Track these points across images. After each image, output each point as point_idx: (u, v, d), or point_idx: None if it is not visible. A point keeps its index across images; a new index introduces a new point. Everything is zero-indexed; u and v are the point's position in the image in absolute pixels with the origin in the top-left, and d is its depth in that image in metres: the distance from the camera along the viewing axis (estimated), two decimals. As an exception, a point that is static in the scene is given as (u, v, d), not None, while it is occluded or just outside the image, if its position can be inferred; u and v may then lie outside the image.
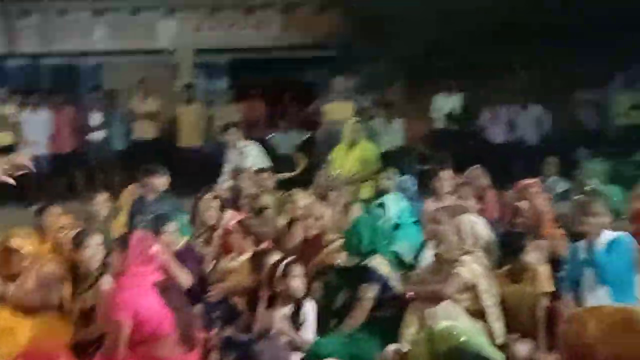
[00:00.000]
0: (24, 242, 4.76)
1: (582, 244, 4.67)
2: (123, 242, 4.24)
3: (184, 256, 5.02)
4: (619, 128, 9.44)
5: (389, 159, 7.90)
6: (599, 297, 4.40)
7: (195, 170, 8.84)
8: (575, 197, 5.69)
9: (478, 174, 6.46)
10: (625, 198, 6.31)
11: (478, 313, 4.41)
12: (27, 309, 4.55)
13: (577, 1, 8.99)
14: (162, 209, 5.53)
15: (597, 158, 7.68)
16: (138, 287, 4.00)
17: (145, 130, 9.76)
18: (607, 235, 4.60)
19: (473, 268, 4.54)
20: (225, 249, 5.29)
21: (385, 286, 4.75)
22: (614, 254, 4.56)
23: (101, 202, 5.90)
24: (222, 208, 5.83)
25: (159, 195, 5.93)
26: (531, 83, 9.70)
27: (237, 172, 7.09)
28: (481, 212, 5.67)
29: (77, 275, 4.71)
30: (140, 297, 3.97)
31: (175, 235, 5.09)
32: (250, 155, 7.65)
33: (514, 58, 9.56)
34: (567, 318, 3.43)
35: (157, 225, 4.96)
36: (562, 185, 6.76)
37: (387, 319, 4.61)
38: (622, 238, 4.64)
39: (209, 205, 5.75)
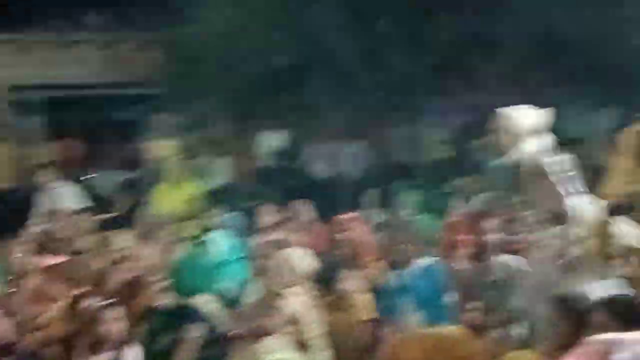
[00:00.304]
0: None
1: (397, 271, 4.90)
2: None
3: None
4: (431, 161, 10.07)
5: (216, 197, 7.87)
6: (414, 322, 4.62)
7: (6, 213, 8.27)
8: (389, 228, 5.97)
9: (302, 208, 6.59)
10: (436, 227, 6.70)
11: (305, 345, 4.45)
12: None
13: (390, 43, 9.52)
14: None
15: (411, 190, 8.12)
16: None
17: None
18: (420, 262, 4.86)
19: (297, 301, 4.59)
20: (39, 296, 4.95)
21: (211, 325, 4.69)
22: (426, 280, 4.81)
23: None
24: (35, 252, 5.48)
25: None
26: (351, 120, 10.10)
27: (51, 214, 6.72)
28: (307, 245, 5.76)
29: None
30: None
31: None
32: (66, 196, 7.30)
33: (331, 97, 9.92)
34: (385, 344, 3.58)
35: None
36: (380, 217, 7.05)
37: (214, 358, 4.54)
38: (434, 264, 4.92)
39: (19, 251, 5.37)
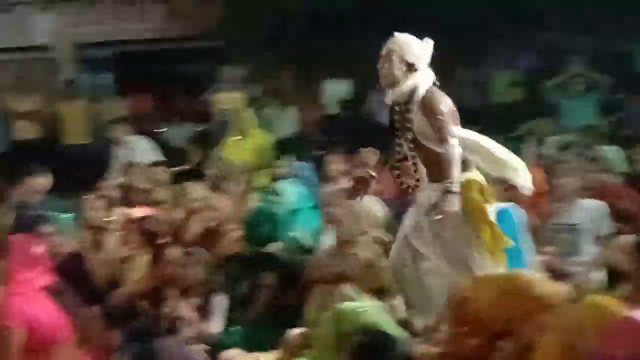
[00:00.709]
0: None
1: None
2: (6, 246, 4.02)
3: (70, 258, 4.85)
4: (499, 105, 9.84)
5: (283, 147, 7.92)
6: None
7: (82, 169, 8.53)
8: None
9: (370, 156, 6.56)
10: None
11: (378, 291, 4.48)
12: None
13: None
14: (43, 211, 5.29)
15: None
16: (26, 293, 3.81)
17: (26, 130, 9.34)
18: (494, 206, 4.78)
19: (371, 248, 4.62)
20: (123, 247, 5.11)
21: (285, 272, 4.78)
22: (501, 225, 4.74)
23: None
24: (114, 205, 5.64)
25: (41, 197, 5.70)
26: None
27: (128, 168, 6.90)
28: (376, 193, 5.75)
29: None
30: (29, 304, 3.79)
31: (56, 236, 4.86)
32: (140, 150, 7.48)
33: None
34: (458, 287, 3.57)
35: (34, 227, 4.71)
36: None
37: (290, 305, 4.62)
38: (508, 209, 4.84)
39: (95, 205, 5.50)
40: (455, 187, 3.62)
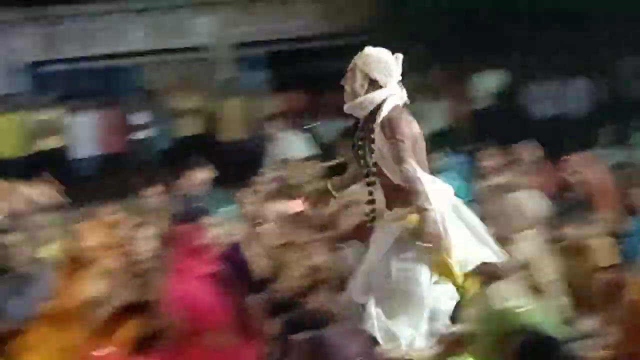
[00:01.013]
0: (93, 240, 4.74)
1: (637, 215, 4.56)
2: (172, 236, 4.25)
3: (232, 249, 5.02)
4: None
5: (435, 141, 7.80)
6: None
7: (240, 163, 8.87)
8: (626, 169, 5.55)
9: (529, 149, 6.34)
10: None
11: (539, 289, 4.31)
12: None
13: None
14: (205, 203, 5.54)
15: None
16: (190, 280, 4.01)
17: (189, 127, 9.84)
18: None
19: (528, 245, 4.44)
20: (282, 241, 5.24)
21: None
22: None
23: (155, 195, 5.94)
24: (269, 198, 5.80)
25: (203, 190, 5.97)
26: (574, 55, 9.49)
27: (282, 162, 7.08)
28: (535, 187, 5.54)
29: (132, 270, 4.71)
30: (193, 290, 3.98)
31: (217, 227, 5.06)
32: (294, 145, 7.65)
33: (553, 31, 9.36)
34: (628, 289, 3.36)
35: (197, 218, 4.92)
36: (617, 156, 6.59)
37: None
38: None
39: (251, 199, 5.70)
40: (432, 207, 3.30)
